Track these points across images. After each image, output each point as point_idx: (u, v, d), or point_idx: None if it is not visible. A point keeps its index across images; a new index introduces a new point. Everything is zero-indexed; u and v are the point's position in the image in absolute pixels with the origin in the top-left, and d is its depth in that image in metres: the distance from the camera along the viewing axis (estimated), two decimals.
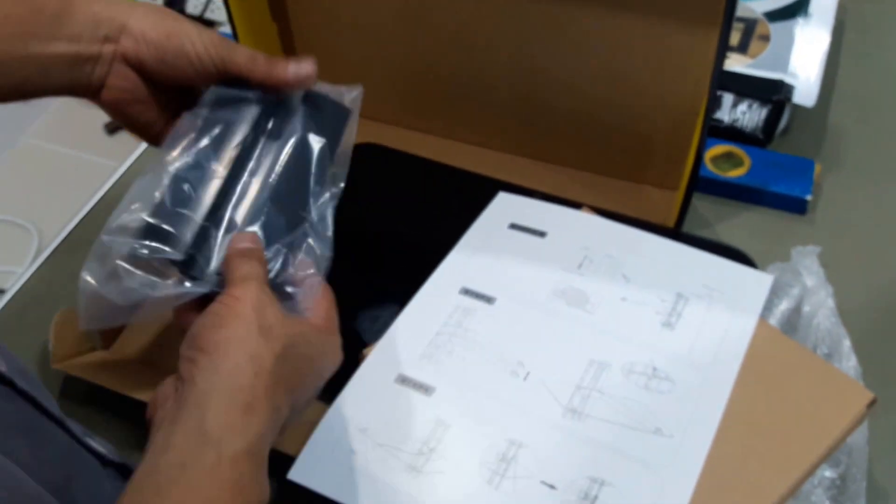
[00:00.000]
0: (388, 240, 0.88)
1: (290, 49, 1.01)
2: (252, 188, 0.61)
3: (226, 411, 0.48)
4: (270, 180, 0.62)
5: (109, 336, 0.81)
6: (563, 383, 0.67)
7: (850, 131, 1.02)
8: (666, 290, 0.73)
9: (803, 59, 1.02)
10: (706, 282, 0.74)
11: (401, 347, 0.71)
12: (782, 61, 1.01)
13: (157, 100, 0.64)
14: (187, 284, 0.57)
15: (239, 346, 0.51)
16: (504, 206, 0.83)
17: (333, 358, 0.58)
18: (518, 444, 0.63)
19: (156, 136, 0.66)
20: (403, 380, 0.68)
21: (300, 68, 0.64)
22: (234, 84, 0.64)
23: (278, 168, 0.62)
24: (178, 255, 0.57)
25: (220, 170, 0.61)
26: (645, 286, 0.74)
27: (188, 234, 0.58)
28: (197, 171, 0.61)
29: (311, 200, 0.63)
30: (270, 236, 0.60)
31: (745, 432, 0.64)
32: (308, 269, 0.61)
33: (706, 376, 0.67)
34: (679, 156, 0.88)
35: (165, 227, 0.58)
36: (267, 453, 0.51)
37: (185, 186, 0.60)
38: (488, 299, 0.74)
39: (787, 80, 0.99)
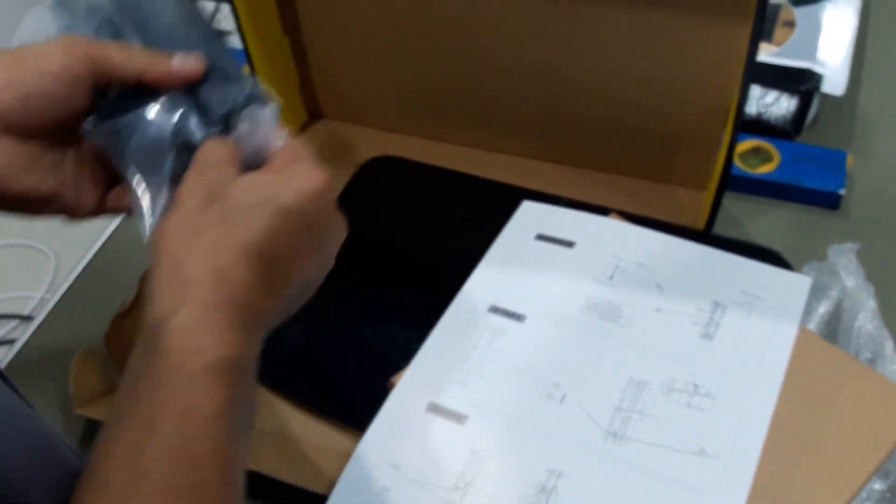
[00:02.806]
0: (410, 255, 0.86)
1: (302, 62, 0.98)
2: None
3: (163, 290, 0.46)
4: None
5: None
6: (601, 405, 0.64)
7: (880, 119, 0.99)
8: (702, 298, 0.71)
9: (830, 45, 0.99)
10: (743, 288, 0.72)
11: (431, 373, 0.68)
12: (809, 48, 0.98)
13: (46, 158, 0.56)
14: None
15: (175, 223, 0.48)
16: (529, 216, 0.81)
17: (302, 180, 0.50)
18: (558, 474, 0.61)
19: (73, 207, 0.58)
20: (435, 408, 0.66)
21: (186, 62, 0.56)
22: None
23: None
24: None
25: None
26: (680, 295, 0.71)
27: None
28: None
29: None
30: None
31: (793, 449, 0.61)
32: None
33: (749, 390, 0.64)
34: (706, 154, 0.86)
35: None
36: (228, 317, 0.45)
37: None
38: (519, 317, 0.71)
39: (815, 68, 0.96)
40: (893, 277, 0.80)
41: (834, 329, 0.75)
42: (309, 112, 1.04)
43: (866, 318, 0.74)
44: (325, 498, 0.62)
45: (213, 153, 0.52)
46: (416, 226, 0.89)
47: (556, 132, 0.92)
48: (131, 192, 0.54)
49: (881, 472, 0.66)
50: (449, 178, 0.92)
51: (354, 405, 0.72)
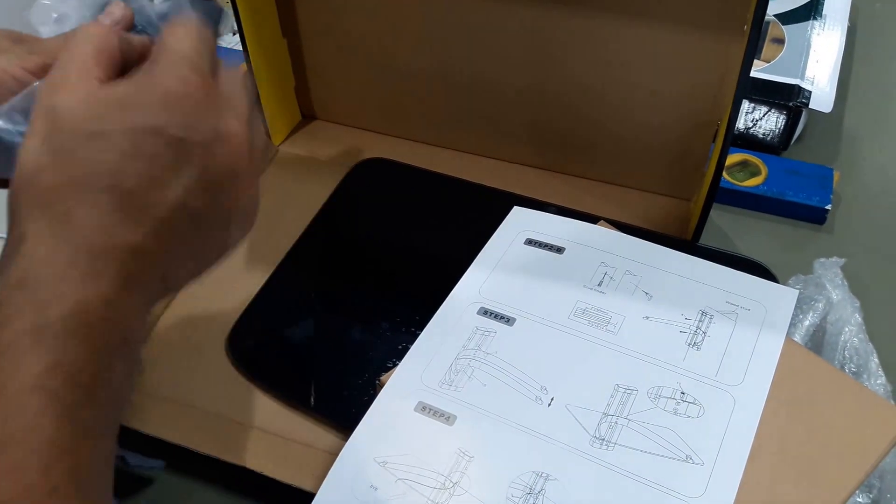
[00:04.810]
0: (401, 257, 0.86)
1: (299, 64, 0.99)
2: None
3: None
4: None
5: None
6: (588, 410, 0.65)
7: (866, 136, 1.01)
8: (689, 307, 0.71)
9: (818, 62, 1.00)
10: (730, 298, 0.72)
11: (420, 373, 0.68)
12: (797, 65, 0.99)
13: None
14: None
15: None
16: (519, 221, 0.81)
17: (163, 86, 0.42)
18: (545, 477, 0.61)
19: None
20: (423, 408, 0.66)
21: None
22: None
23: None
24: None
25: None
26: (668, 304, 0.72)
27: None
28: None
29: None
30: None
31: (779, 459, 0.61)
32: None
33: (736, 399, 0.65)
34: (695, 166, 0.86)
35: None
36: (63, 265, 0.39)
37: None
38: (508, 320, 0.71)
39: (803, 85, 0.97)
40: (878, 292, 0.81)
41: (819, 342, 0.75)
42: (303, 113, 1.05)
43: (852, 331, 0.74)
44: (312, 495, 0.62)
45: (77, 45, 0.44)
46: (407, 228, 0.89)
47: (546, 140, 0.93)
48: None
49: (865, 485, 0.67)
50: (440, 181, 0.92)
51: (343, 403, 0.72)
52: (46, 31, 0.56)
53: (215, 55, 0.45)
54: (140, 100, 0.42)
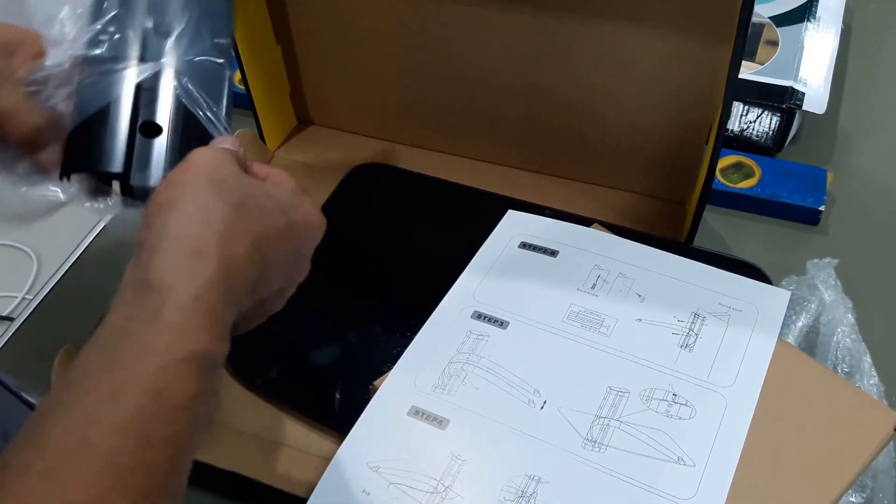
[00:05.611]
0: (396, 261, 0.87)
1: (293, 69, 0.99)
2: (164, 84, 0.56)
3: (170, 258, 0.44)
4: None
5: None
6: (581, 412, 0.65)
7: (860, 137, 1.01)
8: (682, 309, 0.71)
9: (812, 63, 1.00)
10: (722, 300, 0.72)
11: (413, 378, 0.69)
12: (791, 67, 0.99)
13: None
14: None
15: (189, 199, 0.46)
16: (514, 225, 0.81)
17: (308, 213, 0.53)
18: (537, 480, 0.61)
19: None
20: (416, 412, 0.66)
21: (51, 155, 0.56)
22: None
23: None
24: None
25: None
26: (660, 306, 0.72)
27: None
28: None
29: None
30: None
31: (770, 460, 0.62)
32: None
33: (727, 400, 0.65)
34: (689, 168, 0.87)
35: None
36: (221, 307, 0.45)
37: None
38: (501, 323, 0.72)
39: (797, 86, 0.97)
40: (871, 293, 0.81)
41: (812, 343, 0.76)
42: (298, 118, 1.05)
43: (844, 332, 0.74)
44: (305, 500, 0.62)
45: (225, 143, 0.53)
46: (402, 232, 0.89)
47: (540, 144, 0.93)
48: None
49: (857, 485, 0.67)
50: (435, 185, 0.92)
51: (336, 408, 0.72)
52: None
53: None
54: (300, 209, 0.52)
